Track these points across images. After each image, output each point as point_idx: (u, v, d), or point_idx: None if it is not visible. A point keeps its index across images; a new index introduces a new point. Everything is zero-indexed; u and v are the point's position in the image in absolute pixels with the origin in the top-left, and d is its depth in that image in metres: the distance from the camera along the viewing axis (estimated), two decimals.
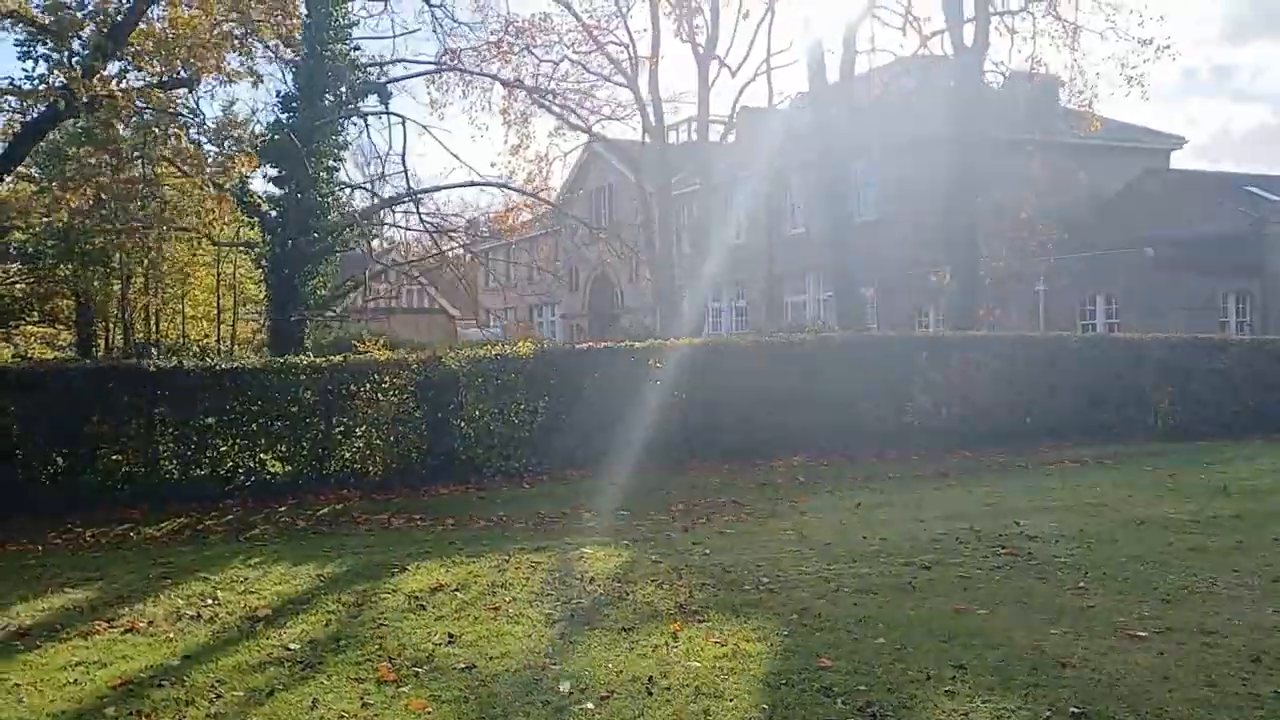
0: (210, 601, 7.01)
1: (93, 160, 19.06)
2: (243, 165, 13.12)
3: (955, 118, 20.87)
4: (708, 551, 8.09)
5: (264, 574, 7.72)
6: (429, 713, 4.82)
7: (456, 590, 7.08)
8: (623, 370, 13.18)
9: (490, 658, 5.58)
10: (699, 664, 5.30)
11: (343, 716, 4.81)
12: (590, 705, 4.79)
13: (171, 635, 6.26)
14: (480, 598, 6.87)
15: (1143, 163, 31.25)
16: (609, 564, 7.79)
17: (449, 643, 5.88)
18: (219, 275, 24.26)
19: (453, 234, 24.84)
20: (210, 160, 13.38)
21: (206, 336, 25.43)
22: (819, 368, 13.96)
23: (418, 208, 22.07)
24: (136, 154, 15.69)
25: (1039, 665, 5.05)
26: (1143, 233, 25.29)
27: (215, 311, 25.54)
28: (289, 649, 5.88)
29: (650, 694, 4.90)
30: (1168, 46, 20.77)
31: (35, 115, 13.52)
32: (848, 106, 22.22)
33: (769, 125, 30.38)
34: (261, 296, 26.31)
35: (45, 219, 22.38)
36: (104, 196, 16.75)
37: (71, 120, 16.09)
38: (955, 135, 20.69)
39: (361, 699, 5.01)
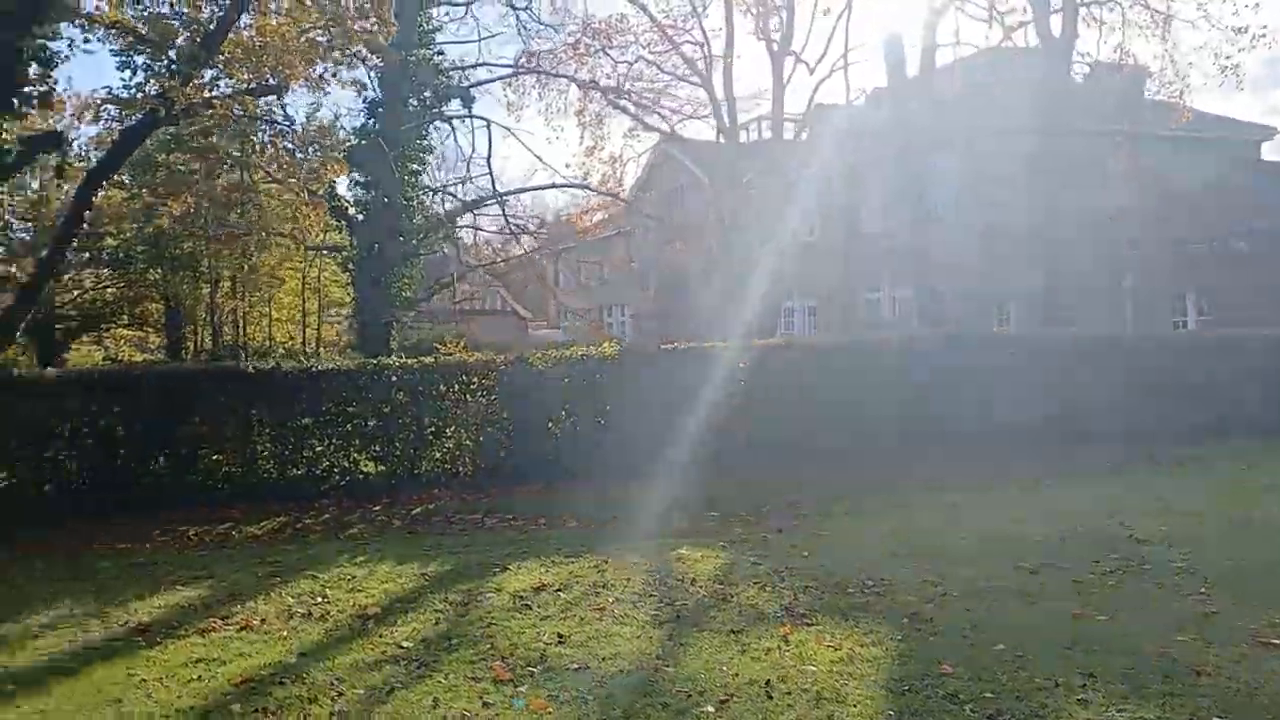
0: (320, 599, 7.13)
1: (183, 167, 19.56)
2: (333, 171, 13.36)
3: (1041, 110, 20.42)
4: (806, 554, 8.01)
5: (370, 572, 7.84)
6: (549, 713, 4.84)
7: (559, 590, 7.11)
8: (707, 370, 13.11)
9: (602, 659, 5.59)
10: (815, 668, 5.24)
11: (465, 716, 4.85)
12: (710, 709, 4.77)
13: (285, 633, 6.38)
14: (583, 598, 6.89)
15: (1232, 154, 30.24)
16: (707, 566, 7.76)
17: (559, 643, 5.90)
18: (304, 279, 24.77)
19: (537, 235, 25.02)
20: (303, 167, 13.62)
21: (291, 339, 25.97)
22: (905, 367, 13.77)
23: (503, 210, 22.27)
24: (231, 161, 16.04)
25: (1171, 673, 4.91)
26: (1234, 226, 24.48)
27: (300, 314, 26.05)
28: (402, 647, 5.95)
29: (770, 698, 4.86)
30: (1264, 35, 20.04)
31: (133, 123, 13.90)
32: (928, 100, 21.88)
33: (844, 122, 30.02)
34: (345, 299, 26.80)
35: (136, 225, 23.12)
36: (203, 204, 17.16)
37: (161, 128, 16.54)
38: (1041, 128, 20.25)
39: (481, 698, 5.05)
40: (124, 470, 11.08)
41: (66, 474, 10.95)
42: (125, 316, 27.38)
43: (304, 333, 25.97)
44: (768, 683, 5.05)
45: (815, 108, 29.76)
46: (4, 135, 12.86)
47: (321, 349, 25.32)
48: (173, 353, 25.63)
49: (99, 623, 6.79)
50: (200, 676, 5.60)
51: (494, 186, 22.68)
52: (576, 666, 5.47)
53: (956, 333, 16.23)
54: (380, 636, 6.22)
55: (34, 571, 8.51)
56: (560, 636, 6.01)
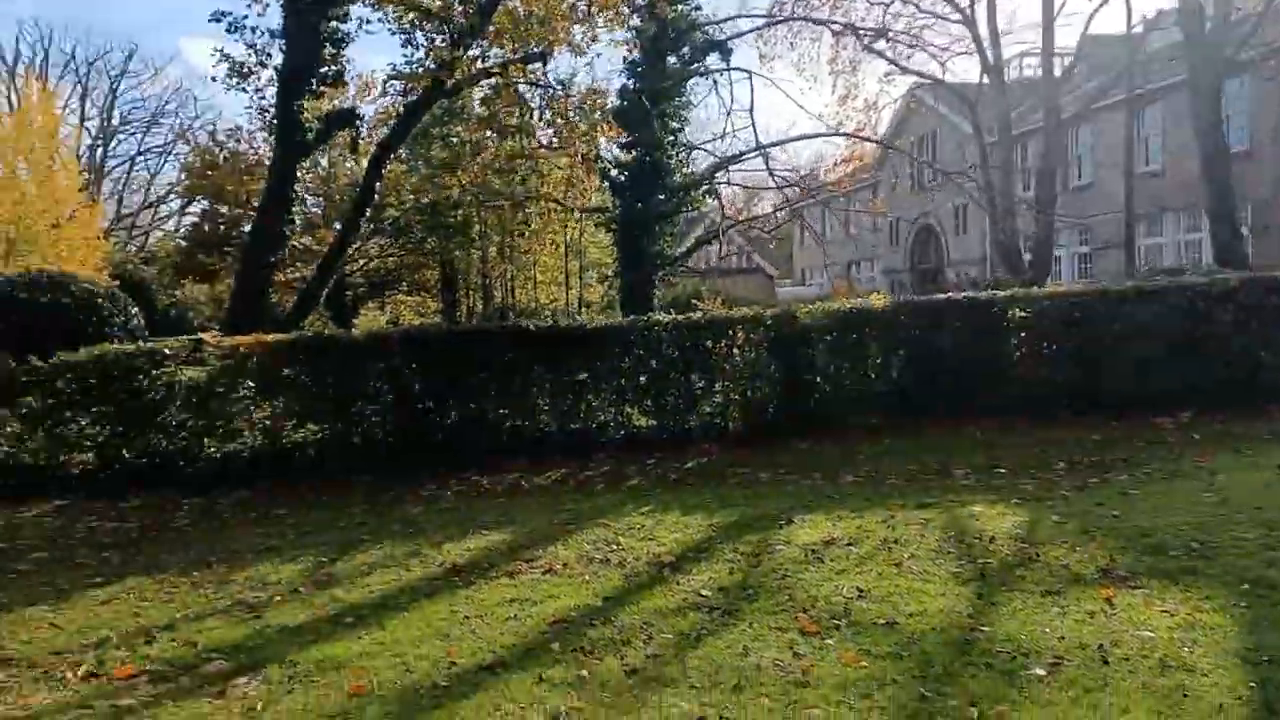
0: (615, 547, 7.34)
1: (455, 138, 20.60)
2: (605, 133, 13.67)
3: None
4: (1115, 513, 7.46)
5: (658, 522, 8.00)
6: (863, 667, 4.75)
7: (849, 544, 6.97)
8: (981, 321, 12.50)
9: (908, 615, 5.42)
10: (1151, 634, 4.86)
11: (777, 665, 4.83)
12: (1040, 671, 4.52)
13: (587, 577, 6.61)
14: (876, 553, 6.73)
15: None
16: (1004, 523, 7.38)
17: (859, 597, 5.79)
18: (566, 240, 25.69)
19: (800, 186, 24.76)
20: (577, 131, 14.02)
21: (554, 300, 27.05)
22: (1207, 315, 12.53)
23: (767, 162, 22.17)
24: (511, 128, 16.76)
25: None
26: None
27: (563, 275, 27.06)
28: (702, 595, 6.03)
29: (1106, 663, 4.54)
30: None
31: (415, 97, 14.75)
32: (1223, 20, 19.73)
33: (1122, 51, 27.65)
34: (604, 260, 27.60)
35: (415, 196, 24.69)
36: (487, 172, 18.07)
37: (440, 100, 17.45)
38: None
39: (791, 649, 5.03)
40: (419, 424, 11.84)
41: (370, 427, 11.83)
42: (405, 283, 29.42)
43: (566, 293, 26.94)
44: (1100, 646, 4.73)
45: (1086, 39, 27.62)
46: (305, 115, 14.01)
47: (583, 309, 26.20)
48: (448, 315, 27.30)
49: (418, 563, 7.30)
50: (515, 616, 5.89)
51: (757, 138, 22.57)
52: (883, 622, 5.34)
53: (1257, 276, 14.61)
54: (678, 584, 6.33)
55: (354, 516, 9.27)
56: (860, 591, 5.89)
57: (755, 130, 21.87)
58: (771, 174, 22.40)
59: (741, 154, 23.01)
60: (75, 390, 11.05)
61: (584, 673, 4.85)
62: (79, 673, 5.24)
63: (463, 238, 23.61)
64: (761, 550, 7.00)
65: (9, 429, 11.02)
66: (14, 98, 36.80)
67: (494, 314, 24.01)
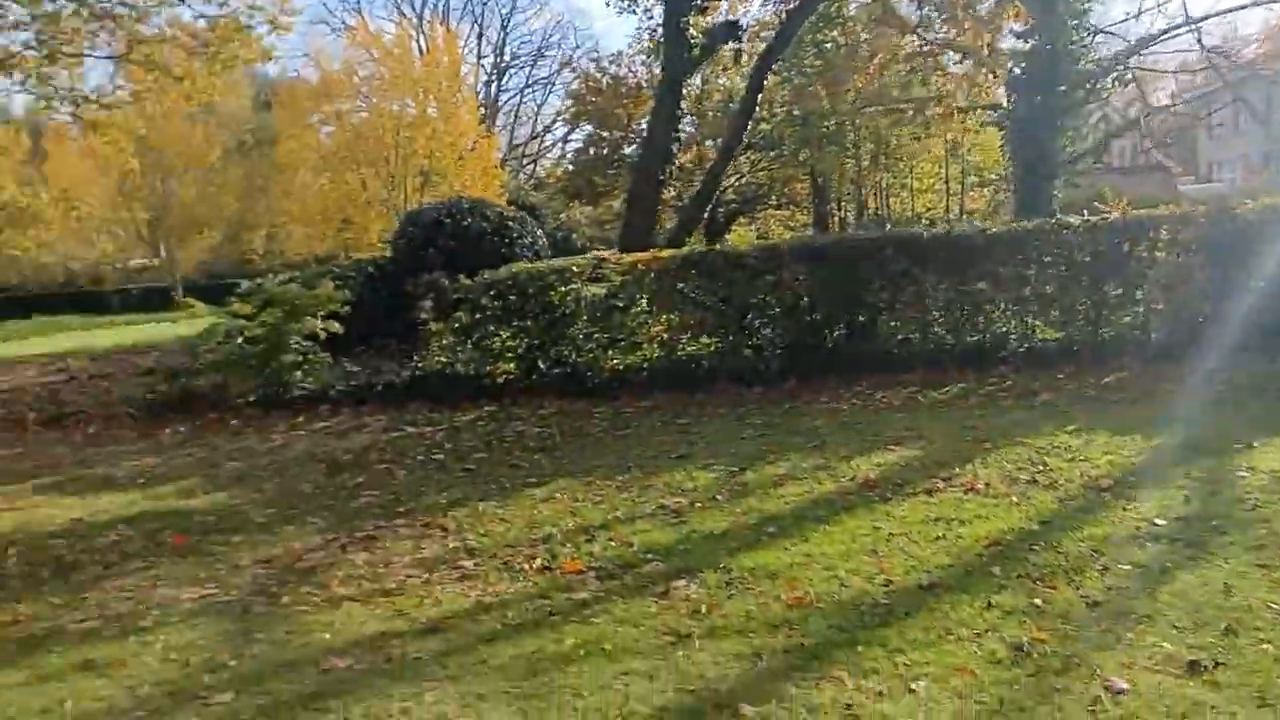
0: (1040, 466, 6.83)
1: (830, 44, 20.01)
2: (1011, 19, 12.57)
3: None
4: None
5: (1086, 442, 7.36)
6: None
7: None
8: None
9: None
10: None
11: (1271, 607, 4.25)
12: None
13: (1014, 499, 6.18)
14: None
15: None
16: None
17: None
18: (947, 145, 24.31)
19: (1238, 63, 21.64)
20: (980, 19, 13.01)
21: (931, 208, 25.83)
22: None
23: (1200, 39, 19.40)
24: (910, 26, 15.98)
25: None
26: None
27: (943, 182, 25.74)
28: (1156, 525, 5.44)
29: None
30: None
31: (797, 3, 14.40)
32: None
33: None
34: (986, 163, 25.85)
35: (784, 108, 24.44)
36: (881, 76, 17.44)
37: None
38: None
39: None
40: (808, 336, 11.75)
41: (761, 340, 11.89)
42: (775, 196, 29.39)
43: (946, 200, 25.61)
44: None
45: None
46: (690, 30, 14.12)
47: (964, 217, 24.79)
48: (819, 228, 26.97)
49: (827, 476, 7.20)
50: (943, 535, 5.62)
51: (1186, 11, 19.67)
52: None
53: None
54: (1123, 510, 5.77)
55: (754, 427, 9.33)
56: None
57: (1185, 3, 19.10)
58: (1205, 50, 19.41)
59: (1164, 32, 20.25)
60: (498, 306, 12.05)
61: (1037, 601, 4.51)
62: (534, 565, 5.67)
63: (836, 147, 23.00)
64: (1219, 477, 6.23)
65: (445, 342, 12.28)
66: (422, 41, 40.58)
67: (869, 224, 23.33)
